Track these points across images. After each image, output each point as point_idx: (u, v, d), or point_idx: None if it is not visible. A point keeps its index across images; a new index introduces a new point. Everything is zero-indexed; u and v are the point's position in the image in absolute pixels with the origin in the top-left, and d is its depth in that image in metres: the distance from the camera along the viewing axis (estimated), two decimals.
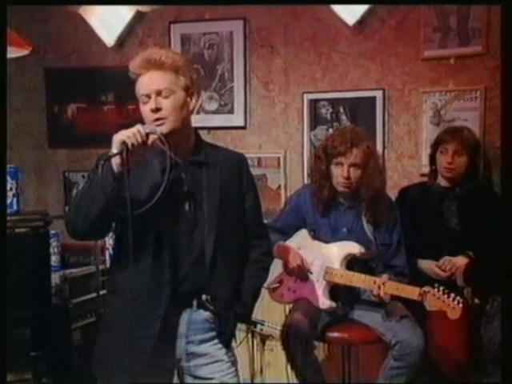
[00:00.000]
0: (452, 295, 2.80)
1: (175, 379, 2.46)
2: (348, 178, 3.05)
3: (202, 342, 2.30)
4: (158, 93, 2.17)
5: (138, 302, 2.20)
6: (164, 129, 2.16)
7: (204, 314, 2.29)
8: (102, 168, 2.05)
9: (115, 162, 2.07)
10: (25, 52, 3.36)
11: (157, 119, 2.17)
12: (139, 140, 2.08)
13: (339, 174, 3.07)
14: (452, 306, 2.79)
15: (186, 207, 2.24)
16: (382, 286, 2.92)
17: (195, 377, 2.33)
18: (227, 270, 2.30)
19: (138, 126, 2.11)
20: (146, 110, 2.19)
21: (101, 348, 2.33)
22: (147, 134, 2.11)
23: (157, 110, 2.16)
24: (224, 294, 2.30)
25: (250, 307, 2.46)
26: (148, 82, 2.18)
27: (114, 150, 2.06)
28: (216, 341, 2.32)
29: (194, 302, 2.28)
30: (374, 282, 2.95)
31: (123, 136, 2.07)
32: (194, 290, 2.27)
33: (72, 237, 2.28)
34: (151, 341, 2.21)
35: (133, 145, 2.06)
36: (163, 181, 2.13)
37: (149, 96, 2.17)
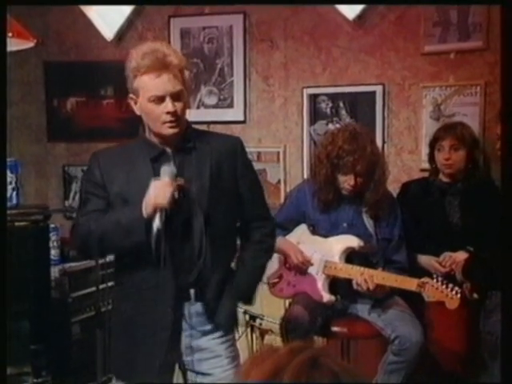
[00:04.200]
0: (450, 285, 2.82)
1: (175, 376, 2.47)
2: (355, 185, 3.05)
3: (201, 335, 2.31)
4: (174, 95, 2.18)
5: (145, 295, 2.25)
6: (177, 130, 2.22)
7: (202, 307, 2.29)
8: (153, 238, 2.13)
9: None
10: (30, 44, 3.33)
11: (170, 121, 2.20)
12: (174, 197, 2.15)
13: (345, 180, 3.04)
14: (450, 297, 2.80)
15: (175, 195, 2.23)
16: (369, 278, 2.91)
17: (195, 372, 2.34)
18: (215, 259, 2.28)
19: (170, 186, 2.15)
20: (157, 110, 2.20)
21: (119, 349, 2.37)
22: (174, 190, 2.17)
23: (174, 113, 2.19)
24: (212, 284, 2.29)
25: (251, 288, 2.45)
26: (163, 85, 2.17)
27: (158, 222, 2.11)
28: (215, 335, 2.32)
29: (192, 294, 2.28)
30: (361, 275, 2.94)
31: (163, 203, 2.12)
32: (191, 280, 2.26)
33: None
34: (167, 333, 2.24)
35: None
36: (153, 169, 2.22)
37: (162, 98, 2.18)
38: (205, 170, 2.28)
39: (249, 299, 2.50)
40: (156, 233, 2.11)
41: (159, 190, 2.13)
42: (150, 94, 2.18)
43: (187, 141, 2.31)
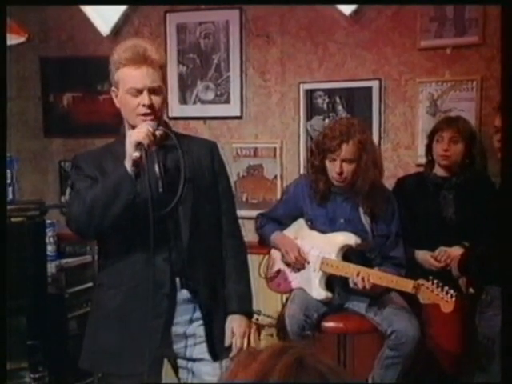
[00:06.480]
0: (446, 288, 2.80)
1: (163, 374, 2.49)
2: (341, 173, 3.05)
3: (188, 322, 2.34)
4: (152, 90, 2.24)
5: (139, 288, 2.26)
6: (155, 124, 2.24)
7: (187, 295, 2.33)
8: (127, 175, 2.13)
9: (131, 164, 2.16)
10: (21, 39, 3.33)
11: (146, 114, 2.24)
12: (152, 139, 2.17)
13: (332, 169, 3.06)
14: (445, 300, 2.79)
15: (160, 190, 2.26)
16: (366, 277, 2.92)
17: (186, 358, 2.37)
18: (202, 249, 2.34)
19: (147, 126, 2.19)
20: (134, 102, 2.25)
21: (101, 344, 2.34)
22: (154, 131, 2.21)
23: (150, 106, 2.23)
24: (200, 275, 2.34)
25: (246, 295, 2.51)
26: (141, 78, 2.23)
27: (136, 153, 2.13)
28: (200, 322, 2.35)
29: (177, 282, 2.31)
30: (358, 274, 2.95)
31: (139, 138, 2.14)
32: (177, 269, 2.30)
33: (82, 237, 2.51)
34: (161, 319, 2.26)
35: (148, 145, 2.15)
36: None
37: (140, 91, 2.23)
38: (188, 165, 2.33)
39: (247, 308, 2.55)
40: (134, 158, 2.13)
41: (134, 132, 2.18)
42: (129, 85, 2.24)
43: (170, 138, 2.36)
